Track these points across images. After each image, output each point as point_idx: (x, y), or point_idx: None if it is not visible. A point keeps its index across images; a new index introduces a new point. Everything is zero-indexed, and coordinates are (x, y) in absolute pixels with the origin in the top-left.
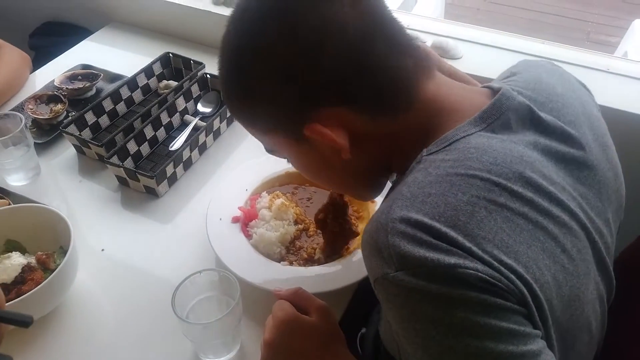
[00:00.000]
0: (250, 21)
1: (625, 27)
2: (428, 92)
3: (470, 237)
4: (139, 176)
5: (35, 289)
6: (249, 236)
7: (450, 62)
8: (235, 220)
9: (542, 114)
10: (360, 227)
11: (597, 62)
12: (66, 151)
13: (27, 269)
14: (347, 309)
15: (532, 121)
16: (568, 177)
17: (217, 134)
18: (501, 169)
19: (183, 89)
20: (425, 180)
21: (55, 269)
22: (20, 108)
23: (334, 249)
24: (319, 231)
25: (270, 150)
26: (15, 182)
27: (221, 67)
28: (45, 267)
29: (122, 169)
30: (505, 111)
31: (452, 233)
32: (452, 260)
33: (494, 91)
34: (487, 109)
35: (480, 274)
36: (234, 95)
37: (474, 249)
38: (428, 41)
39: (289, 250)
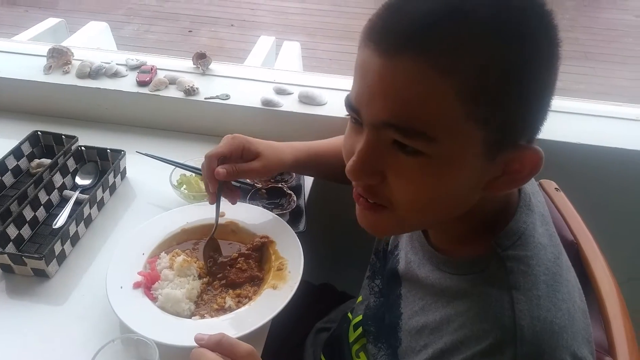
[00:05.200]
0: None
1: None
2: None
3: None
4: (26, 259)
5: None
6: (154, 299)
7: (316, 108)
8: (137, 285)
9: None
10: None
11: None
12: None
13: None
14: (265, 347)
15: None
16: None
17: (101, 204)
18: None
19: (59, 165)
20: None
21: None
22: None
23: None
24: (223, 283)
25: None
26: None
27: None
28: None
29: (5, 255)
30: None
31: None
32: None
33: None
34: (522, 195)
35: None
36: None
37: None
38: (295, 92)
39: (198, 305)
